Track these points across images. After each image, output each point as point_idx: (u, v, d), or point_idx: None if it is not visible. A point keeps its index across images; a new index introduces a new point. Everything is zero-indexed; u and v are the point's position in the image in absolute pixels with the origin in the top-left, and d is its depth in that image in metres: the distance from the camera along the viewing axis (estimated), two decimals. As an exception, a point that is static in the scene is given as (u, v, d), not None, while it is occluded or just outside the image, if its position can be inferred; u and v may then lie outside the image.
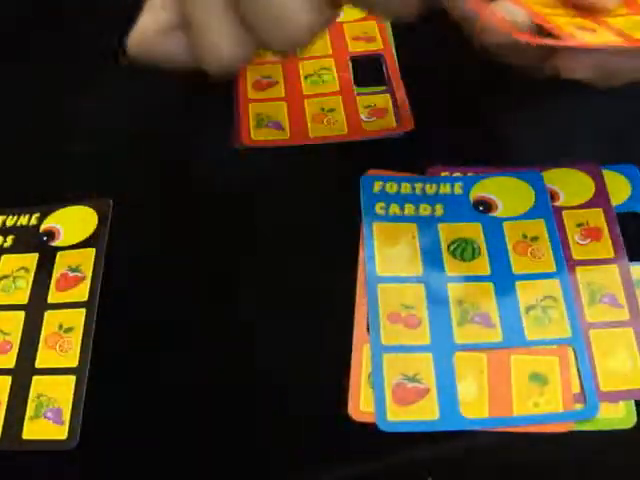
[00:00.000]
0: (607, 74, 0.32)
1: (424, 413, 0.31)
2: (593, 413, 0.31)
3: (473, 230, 0.36)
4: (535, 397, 0.31)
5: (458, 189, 0.37)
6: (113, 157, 0.40)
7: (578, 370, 0.31)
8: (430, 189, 0.37)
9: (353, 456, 0.31)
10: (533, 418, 0.30)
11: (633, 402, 0.31)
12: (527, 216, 0.36)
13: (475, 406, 0.31)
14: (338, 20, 0.45)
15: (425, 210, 0.36)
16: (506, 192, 0.37)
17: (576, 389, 0.31)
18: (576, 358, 0.32)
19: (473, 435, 0.31)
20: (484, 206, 0.37)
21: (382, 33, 0.44)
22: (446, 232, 0.36)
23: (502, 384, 0.31)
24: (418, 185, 0.37)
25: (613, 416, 0.31)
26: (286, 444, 0.31)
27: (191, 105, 0.42)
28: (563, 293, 0.33)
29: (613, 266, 0.34)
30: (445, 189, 0.37)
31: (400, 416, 0.31)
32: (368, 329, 0.33)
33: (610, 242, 0.35)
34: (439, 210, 0.36)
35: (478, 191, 0.37)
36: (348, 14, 0.45)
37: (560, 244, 0.35)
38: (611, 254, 0.35)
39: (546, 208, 0.36)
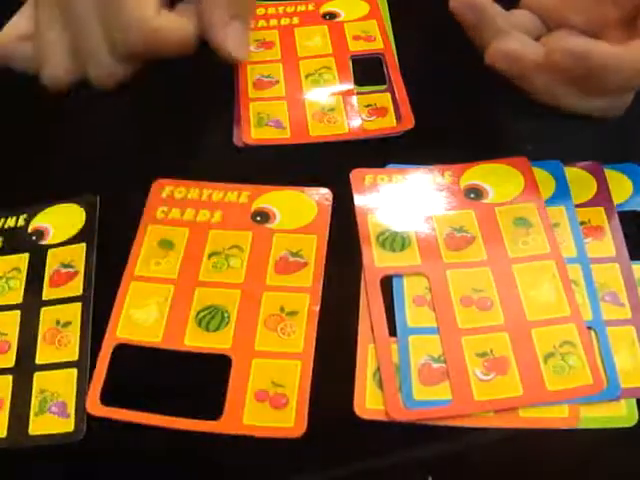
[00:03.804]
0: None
1: (448, 393, 0.31)
2: (616, 393, 0.31)
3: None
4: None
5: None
6: (113, 156, 0.40)
7: (600, 352, 0.32)
8: None
9: (355, 454, 0.30)
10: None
11: (635, 400, 0.31)
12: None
13: None
14: (339, 19, 0.45)
15: None
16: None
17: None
18: (597, 340, 0.32)
19: (474, 433, 0.30)
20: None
21: (382, 32, 0.44)
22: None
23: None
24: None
25: (615, 414, 0.31)
26: (289, 442, 0.30)
27: (192, 104, 0.42)
28: (584, 278, 0.34)
29: (615, 264, 0.34)
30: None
31: (426, 395, 0.31)
32: (372, 327, 0.33)
33: (612, 241, 0.35)
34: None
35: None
36: (348, 14, 0.45)
37: (580, 230, 0.35)
38: (613, 252, 0.35)
39: (566, 197, 0.36)
